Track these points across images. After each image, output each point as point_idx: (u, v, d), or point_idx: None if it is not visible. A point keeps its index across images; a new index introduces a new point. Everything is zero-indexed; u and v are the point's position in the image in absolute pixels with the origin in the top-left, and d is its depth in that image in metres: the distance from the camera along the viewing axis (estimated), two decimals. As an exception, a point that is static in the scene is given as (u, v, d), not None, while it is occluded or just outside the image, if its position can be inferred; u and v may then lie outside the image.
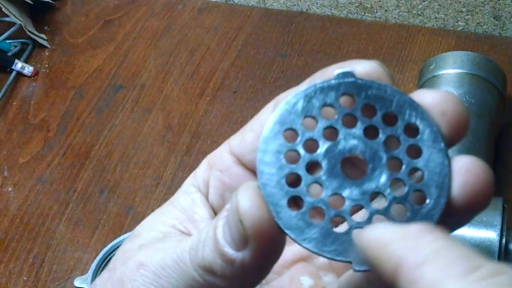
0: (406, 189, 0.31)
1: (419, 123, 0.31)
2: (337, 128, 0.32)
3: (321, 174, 0.31)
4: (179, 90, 0.90)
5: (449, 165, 0.31)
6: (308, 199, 0.31)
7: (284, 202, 0.31)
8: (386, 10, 0.98)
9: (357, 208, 0.32)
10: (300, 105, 0.32)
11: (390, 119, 0.32)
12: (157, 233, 0.36)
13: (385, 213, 0.31)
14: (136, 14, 1.01)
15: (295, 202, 0.31)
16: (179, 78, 0.92)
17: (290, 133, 0.32)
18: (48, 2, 1.02)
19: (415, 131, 0.31)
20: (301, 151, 0.32)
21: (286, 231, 0.31)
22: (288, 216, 0.31)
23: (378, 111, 0.32)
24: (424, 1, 0.96)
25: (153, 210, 0.78)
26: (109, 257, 0.71)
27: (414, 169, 0.31)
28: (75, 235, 0.75)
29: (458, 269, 0.25)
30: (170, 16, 1.00)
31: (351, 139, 0.32)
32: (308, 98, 0.32)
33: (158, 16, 1.00)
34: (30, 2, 0.99)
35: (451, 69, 0.78)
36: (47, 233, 0.76)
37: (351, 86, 0.32)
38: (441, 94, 0.32)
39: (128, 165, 0.82)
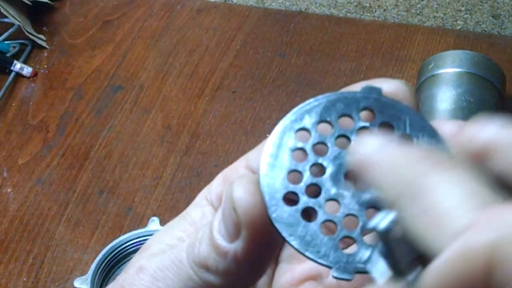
0: None
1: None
2: (351, 138, 0.32)
3: (324, 177, 0.31)
4: (178, 90, 0.90)
5: None
6: (304, 198, 0.31)
7: (280, 195, 0.31)
8: (385, 10, 0.98)
9: (350, 217, 0.31)
10: (319, 108, 0.32)
11: (405, 141, 0.32)
12: (164, 246, 0.36)
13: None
14: (134, 14, 1.01)
15: (291, 198, 0.31)
16: (178, 78, 0.92)
17: (303, 133, 0.32)
18: (47, 2, 1.02)
19: None
20: (309, 152, 0.32)
21: (275, 224, 0.31)
22: (280, 210, 0.31)
23: (395, 131, 0.32)
24: (422, 0, 0.96)
25: (152, 210, 0.79)
26: (109, 257, 0.70)
27: None
28: (75, 236, 0.75)
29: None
30: (168, 16, 1.00)
31: None
32: (330, 104, 0.32)
33: (157, 16, 1.00)
34: (29, 3, 0.99)
35: (450, 68, 0.78)
36: (46, 234, 0.76)
37: (374, 102, 0.32)
38: (458, 126, 0.32)
39: (127, 166, 0.82)
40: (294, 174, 0.32)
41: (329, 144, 0.32)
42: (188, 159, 0.82)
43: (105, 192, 0.79)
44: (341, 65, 0.91)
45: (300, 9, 1.00)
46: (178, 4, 1.02)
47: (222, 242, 0.31)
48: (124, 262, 0.71)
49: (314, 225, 0.31)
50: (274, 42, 0.95)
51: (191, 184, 0.79)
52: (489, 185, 0.25)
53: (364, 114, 0.32)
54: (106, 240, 0.74)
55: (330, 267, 0.30)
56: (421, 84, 0.80)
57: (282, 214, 0.31)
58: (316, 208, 0.31)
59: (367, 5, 0.98)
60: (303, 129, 0.32)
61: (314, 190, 0.31)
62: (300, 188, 0.31)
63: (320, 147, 0.32)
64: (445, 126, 0.32)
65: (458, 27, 0.96)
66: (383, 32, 0.95)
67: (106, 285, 0.70)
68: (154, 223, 0.73)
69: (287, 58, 0.93)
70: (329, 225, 0.31)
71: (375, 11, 0.98)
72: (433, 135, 0.32)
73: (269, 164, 0.32)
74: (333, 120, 0.32)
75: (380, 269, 0.29)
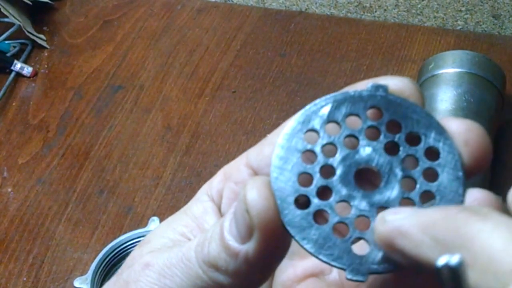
0: None
1: (441, 148, 0.31)
2: (359, 138, 0.32)
3: (334, 179, 0.31)
4: (178, 90, 0.90)
5: (463, 195, 0.31)
6: (315, 201, 0.31)
7: (291, 199, 0.31)
8: (385, 10, 0.98)
9: (362, 218, 0.31)
10: (327, 109, 0.32)
11: (413, 139, 0.32)
12: (167, 240, 0.36)
13: None
14: (135, 14, 1.01)
15: (303, 201, 0.31)
16: (178, 78, 0.92)
17: (312, 134, 0.32)
18: (47, 2, 1.02)
19: (436, 155, 0.31)
20: (319, 153, 0.32)
21: (288, 228, 0.31)
22: (292, 214, 0.31)
23: (402, 129, 0.32)
24: (423, 0, 0.96)
25: (152, 210, 0.78)
26: (109, 257, 0.70)
27: (427, 192, 0.31)
28: (75, 236, 0.75)
29: None
30: (169, 16, 1.00)
31: (370, 151, 0.32)
32: (337, 103, 0.32)
33: (157, 16, 1.00)
34: (29, 2, 0.99)
35: (450, 68, 0.78)
36: (46, 234, 0.76)
37: (381, 100, 0.32)
38: (466, 124, 0.32)
39: (127, 166, 0.82)
40: (305, 176, 0.32)
41: (338, 145, 0.32)
42: (188, 159, 0.82)
43: (105, 192, 0.79)
44: (341, 65, 0.91)
45: (300, 9, 1.00)
46: (178, 4, 1.02)
47: (233, 243, 0.31)
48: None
49: (326, 228, 0.31)
50: (274, 42, 0.95)
51: (191, 184, 0.79)
52: None
53: (371, 112, 0.32)
54: (106, 239, 0.74)
55: (344, 269, 0.30)
56: (422, 84, 0.80)
57: (294, 217, 0.31)
58: (328, 210, 0.31)
59: (368, 5, 0.98)
60: (312, 130, 0.32)
61: (324, 192, 0.31)
62: (310, 190, 0.31)
63: (329, 148, 0.32)
64: (452, 123, 0.32)
65: (459, 27, 0.96)
66: (383, 32, 0.95)
67: (106, 285, 0.70)
68: (154, 223, 0.73)
69: (287, 58, 0.93)
70: (341, 226, 0.31)
71: (376, 11, 0.98)
72: (440, 132, 0.32)
73: (279, 167, 0.32)
74: (341, 120, 0.32)
75: None
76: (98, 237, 0.75)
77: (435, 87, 0.78)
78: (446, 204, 0.31)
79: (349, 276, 0.30)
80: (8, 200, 0.79)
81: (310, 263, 0.37)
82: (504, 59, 0.88)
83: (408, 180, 0.31)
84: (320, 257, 0.31)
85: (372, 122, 0.32)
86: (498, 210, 0.30)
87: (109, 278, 0.70)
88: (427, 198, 0.31)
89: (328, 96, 0.33)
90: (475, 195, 0.31)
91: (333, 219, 0.31)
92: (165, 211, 0.77)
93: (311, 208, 0.31)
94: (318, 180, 0.31)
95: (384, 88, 0.32)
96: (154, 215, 0.75)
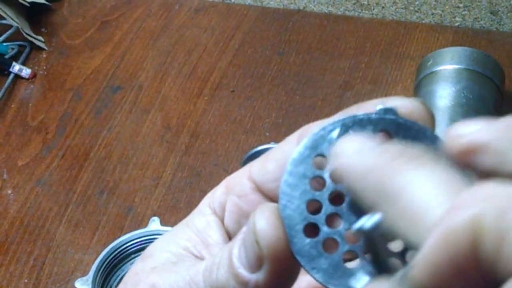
0: None
1: None
2: None
3: (343, 206, 0.31)
4: (177, 90, 0.90)
5: None
6: (324, 229, 0.31)
7: (300, 227, 0.31)
8: (383, 7, 0.98)
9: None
10: (335, 133, 0.32)
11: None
12: (170, 255, 0.36)
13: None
14: (133, 14, 1.01)
15: (312, 229, 0.31)
16: (177, 78, 0.92)
17: (320, 160, 0.32)
18: (45, 4, 1.02)
19: None
20: (328, 179, 0.31)
21: (297, 257, 0.31)
22: (301, 242, 0.31)
23: None
24: (420, -3, 0.96)
25: (153, 210, 0.78)
26: (110, 258, 0.70)
27: None
28: (75, 237, 0.75)
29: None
30: (167, 16, 1.00)
31: None
32: (345, 127, 0.32)
33: (155, 16, 1.00)
34: (27, 4, 0.99)
35: (449, 64, 0.78)
36: (47, 235, 0.76)
37: (390, 123, 0.32)
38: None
39: (127, 166, 0.82)
40: (313, 204, 0.31)
41: None
42: (188, 158, 0.82)
43: (105, 192, 0.79)
44: (339, 62, 0.91)
45: (298, 7, 1.00)
46: (176, 4, 1.02)
47: (243, 271, 0.31)
48: (125, 263, 0.71)
49: (335, 256, 0.31)
50: (272, 40, 0.95)
51: (191, 183, 0.79)
52: (461, 175, 0.26)
53: (380, 136, 0.32)
54: (107, 240, 0.74)
55: None
56: (420, 81, 0.80)
57: (303, 246, 0.31)
58: (337, 238, 0.31)
59: (365, 2, 0.98)
60: (320, 155, 0.32)
61: (334, 219, 0.31)
62: (319, 218, 0.31)
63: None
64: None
65: (457, 24, 0.96)
66: (381, 30, 0.95)
67: (107, 285, 0.70)
68: (154, 223, 0.73)
69: (285, 57, 0.93)
70: (350, 255, 0.31)
71: (373, 9, 0.98)
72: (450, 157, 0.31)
73: (287, 194, 0.31)
74: None
75: (364, 271, 0.29)
76: (99, 238, 0.75)
77: (433, 84, 0.78)
78: None
79: None
80: (8, 202, 0.79)
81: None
82: (502, 55, 0.88)
83: None
84: (330, 286, 0.30)
85: None
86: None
87: (110, 279, 0.71)
88: None
89: (336, 119, 0.32)
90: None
91: (342, 247, 0.31)
92: (165, 211, 0.77)
93: (320, 237, 0.31)
94: (327, 208, 0.31)
95: (393, 111, 0.32)
96: (154, 215, 0.75)
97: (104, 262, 0.70)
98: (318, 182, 0.32)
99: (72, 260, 0.73)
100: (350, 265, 0.31)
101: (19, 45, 0.96)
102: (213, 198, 0.37)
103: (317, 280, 0.31)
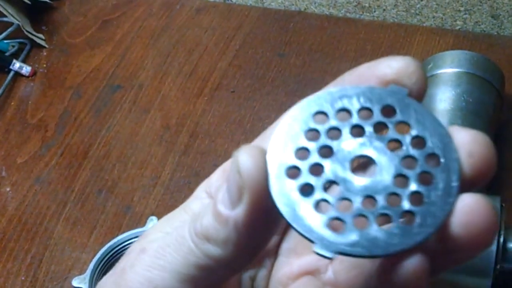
0: (400, 207, 0.31)
1: (442, 155, 0.31)
2: (365, 130, 0.32)
3: (330, 160, 0.32)
4: (177, 90, 0.90)
5: (453, 204, 0.30)
6: (305, 174, 0.32)
7: (283, 168, 0.32)
8: (384, 10, 0.98)
9: (345, 201, 0.32)
10: (337, 94, 0.33)
11: (419, 142, 0.32)
12: (164, 235, 0.36)
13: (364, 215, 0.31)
14: (134, 14, 1.01)
15: (293, 173, 0.32)
16: (177, 78, 0.91)
17: (321, 117, 0.33)
18: (46, 2, 1.02)
19: (437, 161, 0.31)
20: (323, 134, 0.32)
21: (272, 194, 0.31)
22: (281, 182, 0.31)
23: (411, 131, 0.32)
24: (422, 0, 0.96)
25: (151, 210, 0.78)
26: (107, 257, 0.70)
27: (417, 193, 0.31)
28: (73, 235, 0.75)
29: None
30: (168, 16, 1.00)
31: (373, 144, 0.32)
32: (350, 94, 0.33)
33: (156, 16, 1.00)
34: (28, 2, 0.99)
35: (449, 68, 0.78)
36: (45, 233, 0.76)
37: (398, 100, 0.33)
38: (472, 135, 0.32)
39: (126, 165, 0.82)
40: (303, 152, 0.32)
41: (342, 131, 0.32)
42: (187, 158, 0.82)
43: (104, 191, 0.79)
44: (340, 65, 0.91)
45: (299, 8, 1.00)
46: (177, 4, 1.02)
47: (224, 210, 0.32)
48: (123, 262, 0.71)
49: (309, 201, 0.31)
50: (273, 41, 0.95)
51: (190, 183, 0.79)
52: None
53: (385, 110, 0.33)
54: (105, 239, 0.74)
55: (313, 242, 0.30)
56: (420, 84, 0.80)
57: (281, 186, 0.31)
58: (314, 185, 0.31)
59: (367, 5, 0.98)
60: (321, 112, 0.33)
61: (318, 170, 0.32)
62: (304, 164, 0.32)
63: (334, 133, 0.32)
64: (459, 133, 0.32)
65: (457, 27, 0.96)
66: (382, 32, 0.95)
67: (104, 284, 0.70)
68: (152, 223, 0.73)
69: (286, 58, 0.93)
70: (324, 204, 0.32)
71: (375, 11, 0.98)
72: (446, 141, 0.32)
73: (280, 137, 0.32)
74: (351, 110, 0.33)
75: None
76: (97, 236, 0.75)
77: (434, 87, 0.78)
78: (433, 208, 0.31)
79: (316, 250, 0.30)
80: (7, 199, 0.79)
81: (306, 261, 0.37)
82: (503, 59, 0.88)
83: (402, 179, 0.31)
84: (294, 225, 0.31)
85: (382, 119, 0.32)
86: (492, 214, 0.30)
87: (107, 278, 0.70)
88: (415, 199, 0.31)
89: (345, 86, 0.33)
90: (466, 200, 0.30)
91: (317, 195, 0.31)
92: (164, 210, 0.77)
93: (300, 181, 0.31)
94: (313, 156, 0.32)
95: (404, 92, 0.33)
96: (152, 214, 0.75)
97: (101, 261, 0.70)
98: (312, 134, 0.32)
99: (70, 258, 0.73)
100: (321, 212, 0.31)
101: (20, 43, 0.96)
102: (209, 183, 0.38)
103: (284, 218, 0.31)
